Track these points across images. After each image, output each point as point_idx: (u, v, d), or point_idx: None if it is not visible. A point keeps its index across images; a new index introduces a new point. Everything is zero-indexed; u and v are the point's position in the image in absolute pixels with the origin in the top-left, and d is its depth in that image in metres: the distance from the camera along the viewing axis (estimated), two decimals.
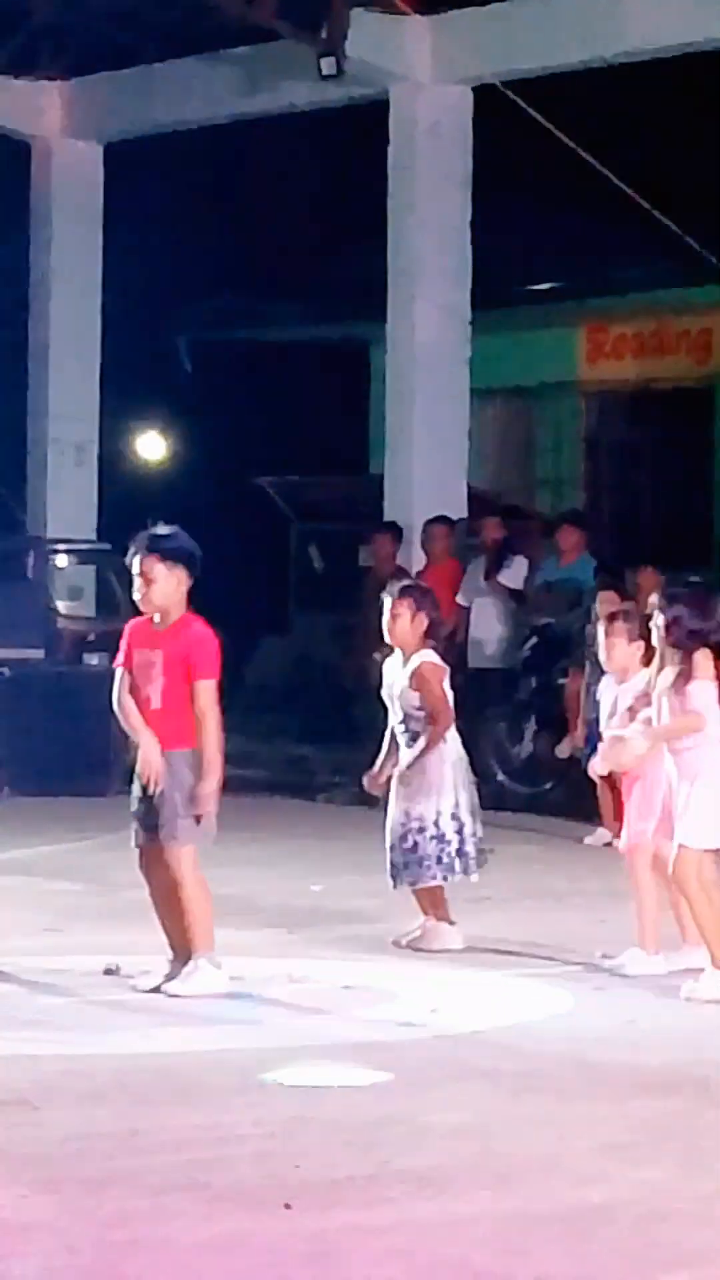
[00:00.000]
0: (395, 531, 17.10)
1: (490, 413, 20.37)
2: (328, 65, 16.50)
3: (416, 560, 16.87)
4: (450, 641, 16.42)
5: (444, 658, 9.87)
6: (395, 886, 9.64)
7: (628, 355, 20.23)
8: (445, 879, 9.55)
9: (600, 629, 9.44)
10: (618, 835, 9.34)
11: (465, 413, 17.74)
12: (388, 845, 9.59)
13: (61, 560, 18.83)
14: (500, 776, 15.07)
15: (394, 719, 9.67)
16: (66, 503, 19.60)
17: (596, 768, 9.27)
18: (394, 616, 9.62)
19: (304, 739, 18.28)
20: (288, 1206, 5.59)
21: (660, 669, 8.55)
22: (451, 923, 9.57)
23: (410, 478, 17.51)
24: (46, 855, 12.49)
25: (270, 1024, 7.99)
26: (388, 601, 9.68)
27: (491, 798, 13.98)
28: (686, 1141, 6.36)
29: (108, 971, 8.72)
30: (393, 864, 9.57)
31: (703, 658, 8.46)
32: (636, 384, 20.28)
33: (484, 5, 16.88)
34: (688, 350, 19.82)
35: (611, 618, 9.41)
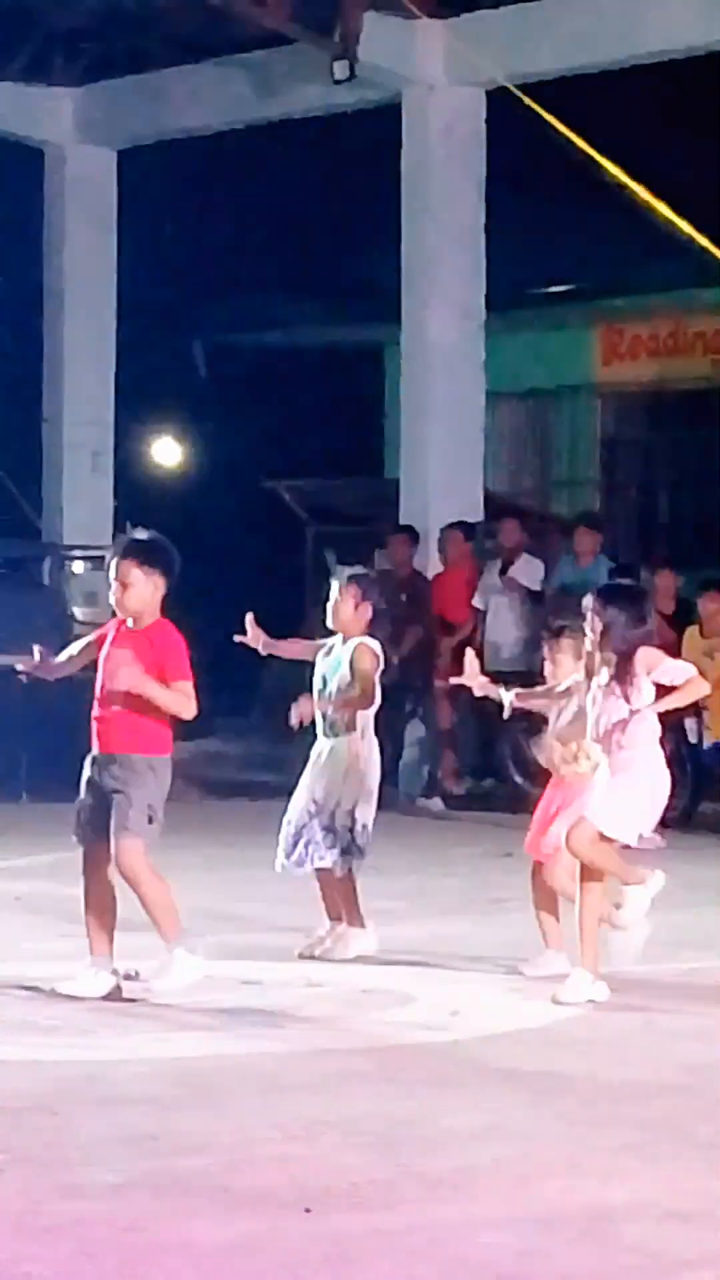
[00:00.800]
0: (411, 535, 17.11)
1: (506, 415, 20.39)
2: (341, 69, 16.57)
3: (433, 563, 16.89)
4: (468, 643, 16.48)
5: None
6: (287, 867, 9.47)
7: (643, 356, 20.25)
8: (329, 867, 9.40)
9: (544, 642, 9.31)
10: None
11: (480, 415, 17.76)
12: (295, 825, 9.45)
13: (78, 566, 18.89)
14: (518, 779, 15.05)
15: (317, 707, 9.57)
16: (82, 509, 19.64)
17: (544, 759, 9.00)
18: (339, 602, 9.58)
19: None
20: (308, 1210, 5.58)
21: (591, 674, 8.45)
22: (363, 925, 9.47)
23: (426, 481, 17.53)
24: (64, 861, 12.47)
25: (289, 1028, 7.97)
26: (335, 587, 9.64)
27: (509, 800, 14.02)
28: (707, 1140, 6.36)
29: (126, 977, 8.71)
30: (295, 843, 9.44)
31: (645, 654, 8.40)
32: (652, 385, 20.30)
33: (496, 8, 16.92)
34: (703, 351, 19.84)
35: (557, 632, 9.23)
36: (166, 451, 24.78)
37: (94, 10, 18.37)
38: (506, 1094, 6.97)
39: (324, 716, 9.59)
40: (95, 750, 8.47)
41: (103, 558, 19.60)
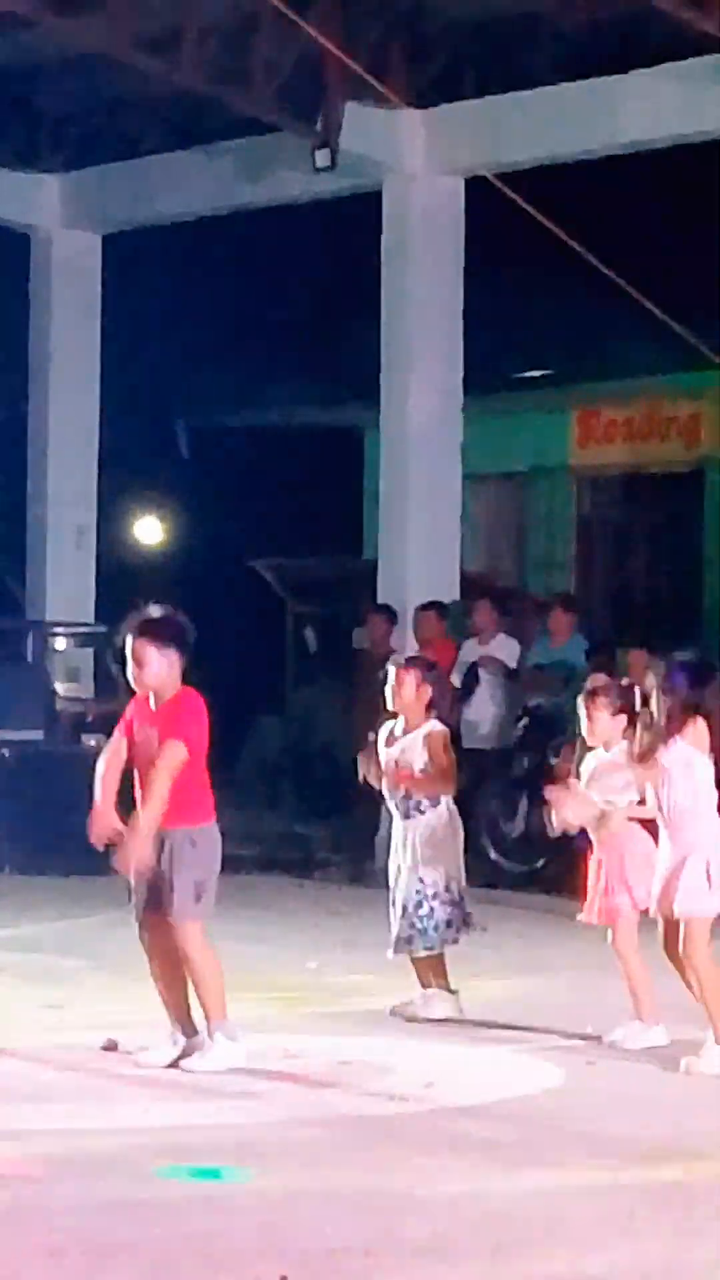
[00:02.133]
0: (389, 614, 17.26)
1: (483, 496, 20.55)
2: (323, 157, 16.75)
3: (410, 642, 17.03)
4: (445, 722, 16.61)
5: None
6: (396, 955, 9.76)
7: (618, 439, 20.40)
8: (455, 942, 9.71)
9: (581, 703, 9.54)
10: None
11: (458, 496, 17.92)
12: (398, 913, 9.70)
13: (60, 642, 18.98)
14: (494, 854, 15.19)
15: (390, 792, 9.81)
16: (66, 586, 19.75)
17: (564, 820, 9.23)
18: (399, 685, 9.80)
19: (300, 816, 18.39)
20: (285, 1277, 5.63)
21: (637, 740, 8.66)
22: (453, 991, 9.70)
23: (404, 560, 17.67)
24: (47, 932, 12.58)
25: (268, 1098, 8.05)
26: (393, 672, 9.86)
27: (485, 875, 14.13)
28: (682, 1211, 6.42)
29: (106, 1047, 8.82)
30: (401, 933, 9.69)
31: (696, 728, 8.60)
32: (627, 468, 20.46)
33: (476, 99, 17.16)
34: (677, 434, 19.99)
35: (593, 693, 9.50)
36: (149, 530, 24.92)
37: (80, 96, 18.59)
38: (483, 1163, 7.03)
39: (405, 798, 9.75)
40: None
41: (86, 634, 19.87)
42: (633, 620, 19.68)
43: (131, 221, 19.62)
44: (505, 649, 16.71)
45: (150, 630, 8.52)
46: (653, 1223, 6.27)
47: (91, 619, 19.56)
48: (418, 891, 9.75)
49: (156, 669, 8.47)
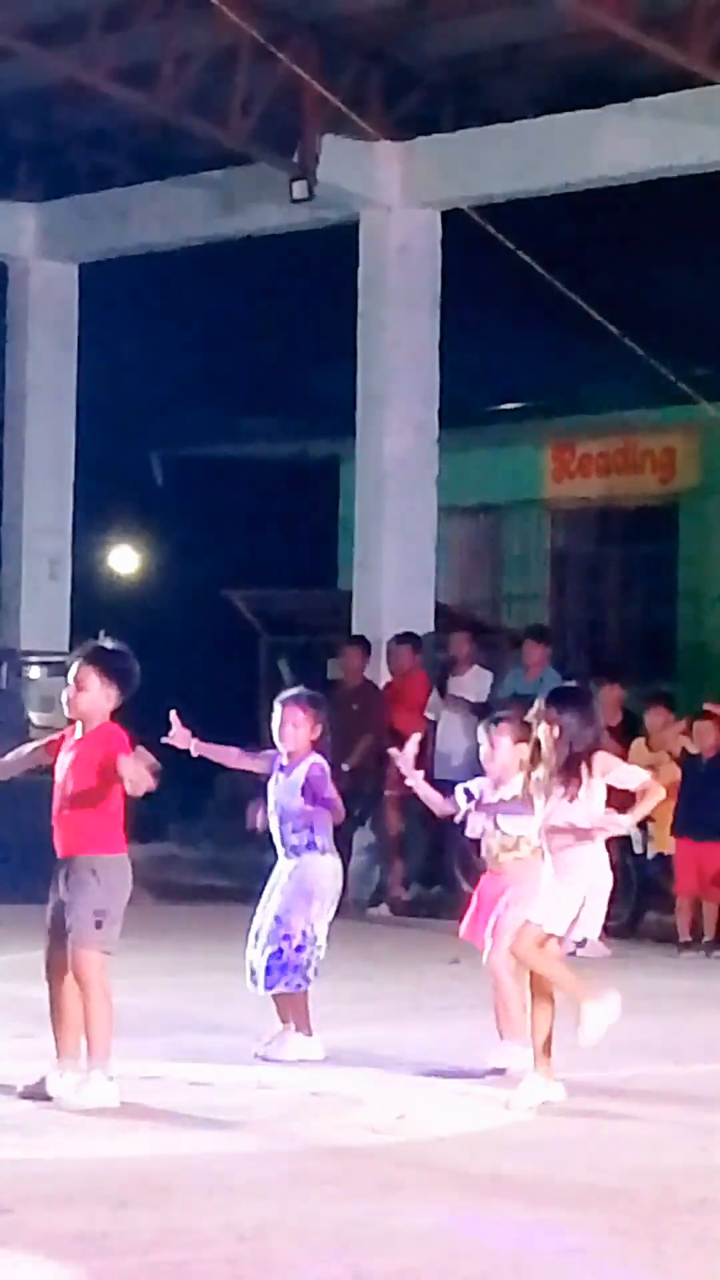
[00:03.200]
0: (364, 645, 17.29)
1: (458, 529, 20.61)
2: (299, 189, 16.85)
3: (385, 673, 17.06)
4: (419, 753, 16.62)
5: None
6: (260, 990, 9.68)
7: (593, 473, 20.49)
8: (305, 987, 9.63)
9: (482, 731, 9.48)
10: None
11: (433, 529, 17.98)
12: (260, 947, 9.63)
13: (35, 671, 18.99)
14: (465, 886, 15.16)
15: (274, 828, 9.76)
16: (40, 615, 19.78)
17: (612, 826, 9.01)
18: (292, 724, 9.74)
19: (273, 847, 18.34)
20: None
21: (531, 772, 8.59)
22: (310, 1033, 9.63)
23: (379, 592, 17.73)
24: (18, 961, 12.53)
25: (239, 1129, 8.03)
26: (279, 709, 9.79)
27: (456, 907, 14.12)
28: (650, 1245, 6.41)
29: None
30: (256, 967, 9.63)
31: (601, 757, 8.57)
32: (601, 502, 20.54)
33: (452, 132, 17.26)
34: (652, 469, 20.08)
35: (497, 720, 9.46)
36: (123, 560, 24.95)
37: (58, 126, 18.68)
38: (454, 1196, 7.03)
39: (283, 839, 9.71)
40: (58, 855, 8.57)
41: (60, 663, 19.83)
42: (606, 654, 19.73)
43: (109, 252, 19.69)
44: (479, 681, 16.75)
45: (99, 659, 8.53)
46: (623, 1258, 6.27)
47: (66, 648, 19.52)
48: (274, 933, 9.68)
49: (93, 696, 8.46)
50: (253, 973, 9.65)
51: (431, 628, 17.67)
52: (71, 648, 19.58)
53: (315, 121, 16.77)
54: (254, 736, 20.33)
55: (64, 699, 8.59)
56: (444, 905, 15.65)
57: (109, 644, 8.65)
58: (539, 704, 8.61)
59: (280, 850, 9.82)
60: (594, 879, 8.54)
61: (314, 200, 17.01)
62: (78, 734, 8.52)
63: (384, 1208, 6.83)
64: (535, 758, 8.56)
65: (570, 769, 8.47)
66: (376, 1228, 6.56)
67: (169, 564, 24.25)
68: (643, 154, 16.20)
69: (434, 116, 17.42)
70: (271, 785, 9.86)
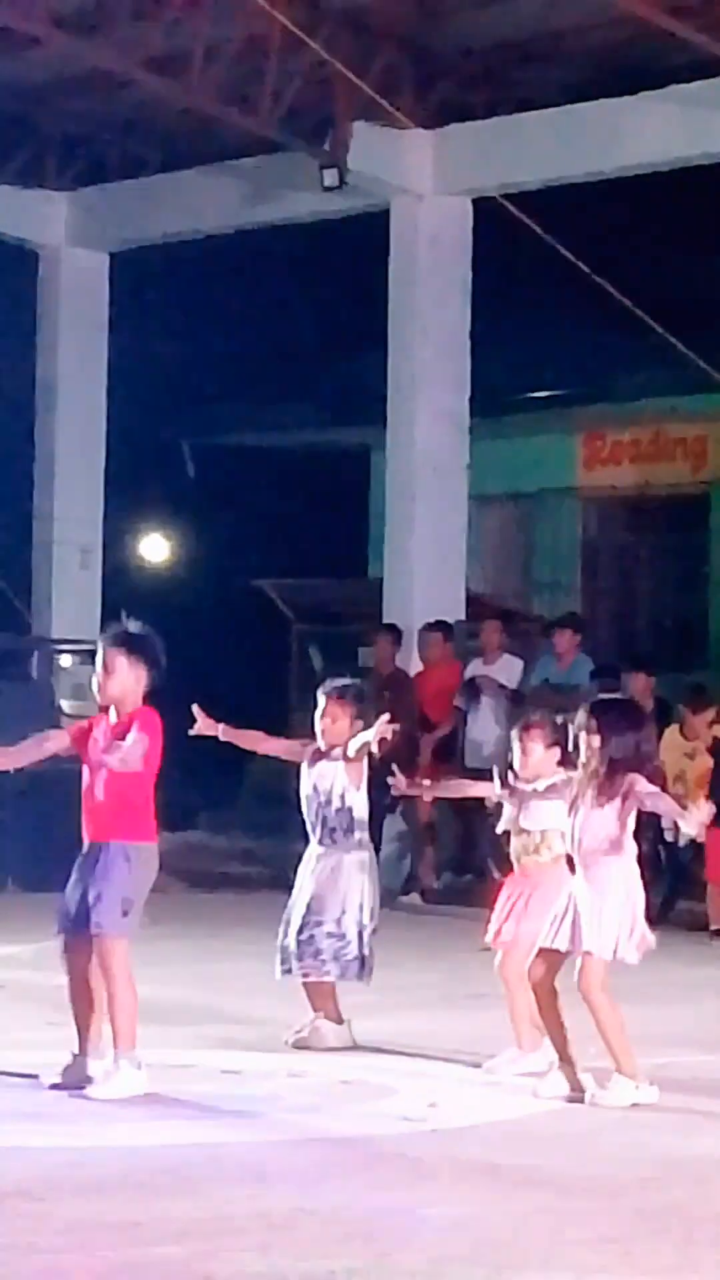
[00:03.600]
0: (395, 633, 17.31)
1: (489, 517, 20.61)
2: (331, 177, 16.85)
3: (415, 662, 17.07)
4: (449, 741, 16.66)
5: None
6: (286, 974, 9.69)
7: (625, 462, 20.47)
8: (340, 978, 9.63)
9: (515, 736, 9.40)
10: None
11: (464, 517, 17.98)
12: (291, 933, 9.64)
13: (66, 660, 19.05)
14: (497, 875, 15.16)
15: (310, 815, 9.77)
16: (71, 604, 19.83)
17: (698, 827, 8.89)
18: (331, 718, 9.75)
19: (304, 836, 18.37)
20: None
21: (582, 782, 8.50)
22: (341, 1021, 9.64)
23: (410, 581, 17.74)
24: (46, 950, 12.57)
25: (270, 1118, 8.06)
26: (321, 701, 9.79)
27: (488, 896, 14.13)
28: (682, 1234, 6.41)
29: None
30: (288, 953, 9.65)
31: (643, 782, 8.45)
32: (633, 490, 20.52)
33: (484, 119, 17.24)
34: (683, 457, 20.06)
35: (527, 726, 9.37)
36: (154, 549, 25.00)
37: (89, 115, 18.70)
38: (484, 1186, 7.04)
39: (322, 824, 9.72)
40: (85, 840, 8.56)
41: (91, 652, 19.85)
42: (637, 642, 19.72)
43: (139, 240, 19.71)
44: (510, 669, 16.74)
45: (125, 641, 8.51)
46: (654, 1246, 6.27)
47: (96, 637, 19.57)
48: (312, 920, 9.69)
49: (123, 679, 8.44)
50: (283, 959, 9.65)
51: (463, 616, 17.67)
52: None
53: (346, 109, 16.77)
54: (283, 724, 20.42)
55: (94, 685, 8.57)
56: (475, 893, 15.65)
57: (133, 626, 8.62)
58: (582, 713, 8.55)
59: (313, 837, 9.81)
60: (631, 893, 8.48)
61: (345, 188, 17.01)
62: (111, 719, 8.50)
63: (415, 1197, 6.85)
64: (570, 762, 8.52)
65: (610, 779, 8.40)
66: (407, 1217, 6.57)
67: (200, 553, 24.30)
68: (675, 141, 16.18)
69: (466, 104, 17.41)
70: (306, 771, 9.86)
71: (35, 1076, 8.53)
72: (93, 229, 19.86)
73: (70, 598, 19.90)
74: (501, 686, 16.48)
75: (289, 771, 17.67)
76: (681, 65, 15.77)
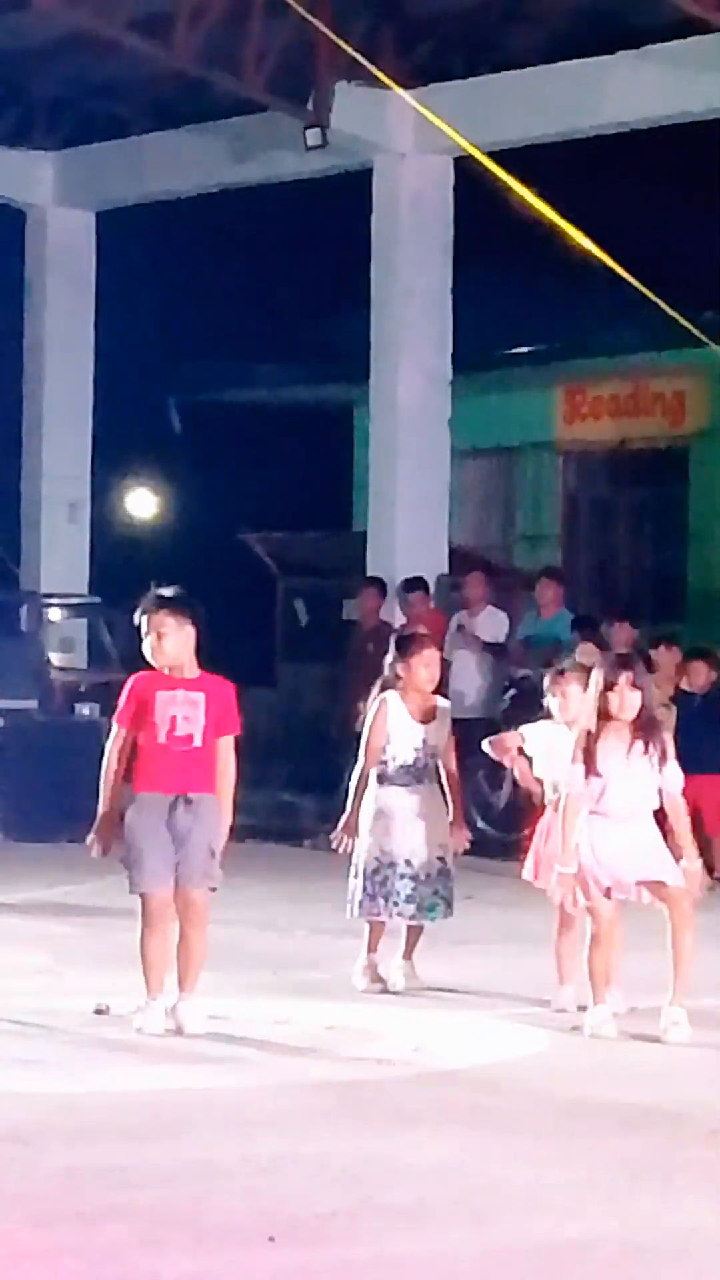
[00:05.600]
0: (379, 586, 17.47)
1: (471, 471, 20.73)
2: (314, 137, 16.91)
3: (399, 615, 17.24)
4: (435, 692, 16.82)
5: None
6: (420, 920, 9.96)
7: (605, 416, 20.53)
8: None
9: (549, 683, 9.71)
10: None
11: (446, 472, 18.10)
12: (421, 879, 9.90)
13: (55, 614, 19.19)
14: (480, 823, 15.39)
15: (410, 762, 9.98)
16: (60, 558, 19.97)
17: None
18: (437, 667, 10.04)
19: (290, 786, 18.59)
20: (272, 1240, 5.71)
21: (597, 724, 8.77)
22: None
23: (393, 534, 17.87)
24: (40, 899, 12.76)
25: (255, 1063, 8.17)
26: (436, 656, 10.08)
27: (472, 844, 14.35)
28: (662, 1177, 6.49)
29: (98, 1011, 8.96)
30: (424, 900, 9.93)
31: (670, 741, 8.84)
32: (613, 444, 20.60)
33: (465, 79, 17.30)
34: (663, 411, 20.13)
35: (560, 672, 9.71)
36: (142, 504, 25.10)
37: (75, 77, 18.73)
38: (467, 1130, 7.14)
39: (421, 767, 9.97)
40: (166, 792, 8.72)
41: (79, 606, 20.04)
42: (617, 594, 19.87)
43: (125, 200, 19.76)
44: (493, 621, 16.92)
45: (167, 603, 8.79)
46: (633, 1190, 6.35)
47: (85, 591, 19.76)
48: (440, 859, 9.96)
49: (177, 638, 8.73)
50: (431, 902, 9.98)
51: (445, 569, 17.83)
52: (91, 591, 19.98)
53: (329, 70, 16.81)
54: (269, 677, 20.63)
55: (147, 650, 8.78)
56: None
57: (167, 590, 8.90)
58: (607, 666, 8.79)
59: (412, 775, 10.02)
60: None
61: (328, 148, 17.07)
62: (183, 674, 8.70)
63: (399, 1141, 6.94)
64: (606, 713, 8.69)
65: (652, 733, 8.68)
66: (391, 1161, 6.65)
67: (186, 508, 24.40)
68: (653, 100, 16.24)
69: (447, 64, 17.46)
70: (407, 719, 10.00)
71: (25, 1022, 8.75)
72: (79, 189, 19.91)
73: (59, 552, 20.03)
74: (486, 644, 16.67)
75: (275, 724, 17.71)
76: (660, 25, 15.84)
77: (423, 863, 9.92)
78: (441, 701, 10.17)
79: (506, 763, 10.02)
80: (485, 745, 10.10)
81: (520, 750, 9.85)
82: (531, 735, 9.78)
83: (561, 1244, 5.77)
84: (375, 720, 9.97)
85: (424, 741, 9.99)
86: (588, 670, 9.24)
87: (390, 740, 9.96)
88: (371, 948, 9.95)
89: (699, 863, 8.92)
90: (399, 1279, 5.52)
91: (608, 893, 8.79)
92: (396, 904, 9.87)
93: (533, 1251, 5.71)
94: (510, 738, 9.95)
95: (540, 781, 9.73)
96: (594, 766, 8.71)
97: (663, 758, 8.76)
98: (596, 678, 8.78)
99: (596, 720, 8.72)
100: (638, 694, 8.73)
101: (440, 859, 9.98)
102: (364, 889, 9.87)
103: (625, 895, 8.81)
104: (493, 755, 10.08)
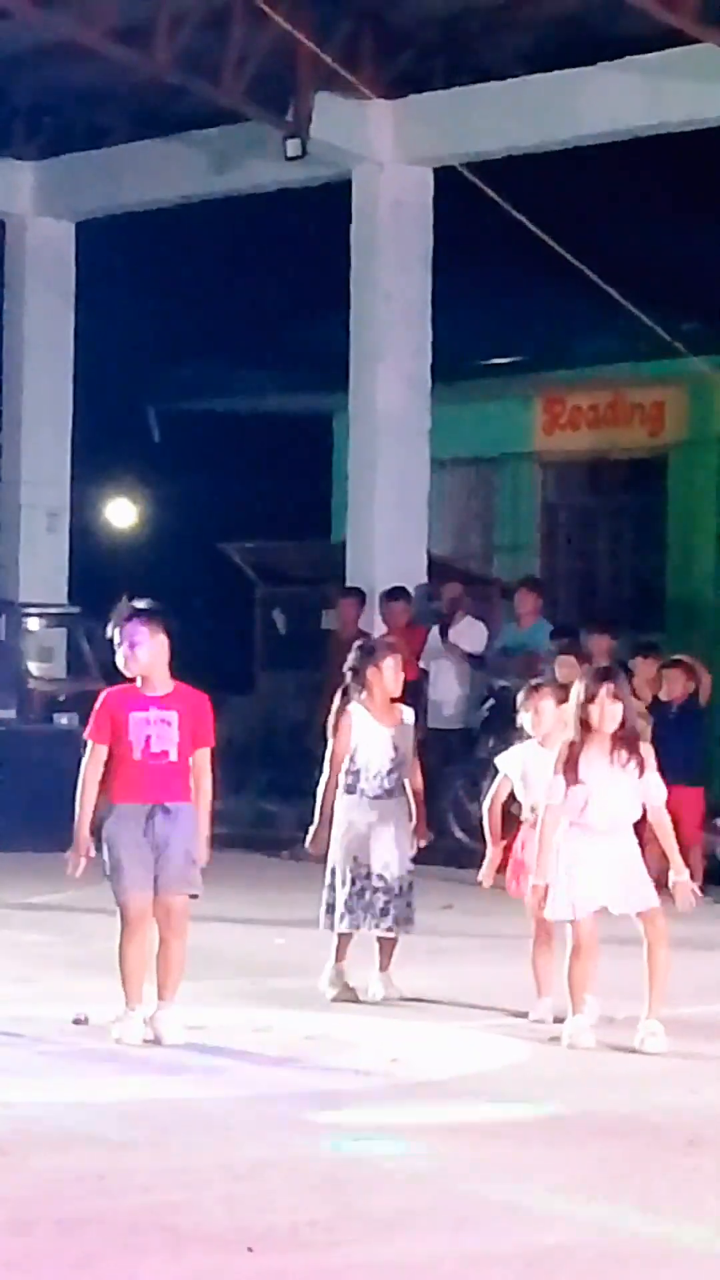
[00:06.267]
0: (358, 596, 17.49)
1: (450, 481, 20.75)
2: (293, 147, 16.94)
3: (378, 624, 17.26)
4: (411, 703, 16.85)
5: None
6: (397, 933, 9.97)
7: (583, 426, 20.57)
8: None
9: (523, 698, 9.70)
10: None
11: (425, 481, 18.13)
12: (395, 891, 9.93)
13: (33, 623, 19.18)
14: (459, 833, 15.41)
15: (381, 771, 10.00)
16: (39, 567, 19.96)
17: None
18: (401, 673, 10.09)
19: (269, 795, 18.61)
20: (251, 1249, 5.71)
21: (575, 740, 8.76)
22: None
23: (372, 544, 17.89)
24: (18, 908, 12.78)
25: (234, 1072, 8.19)
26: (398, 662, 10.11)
27: (450, 854, 14.36)
28: (642, 1184, 6.52)
29: (76, 1021, 8.99)
30: (400, 913, 9.95)
31: (649, 751, 8.84)
32: (592, 454, 20.64)
33: (445, 90, 17.34)
34: (641, 422, 20.16)
35: (536, 687, 9.73)
36: (121, 513, 25.11)
37: (54, 86, 18.74)
38: (446, 1137, 7.16)
39: (390, 776, 9.99)
40: (143, 802, 8.76)
41: (58, 615, 20.00)
42: (596, 604, 19.90)
43: (105, 209, 19.78)
44: (472, 631, 16.95)
45: (144, 614, 8.88)
46: (612, 1196, 6.37)
47: (64, 600, 19.75)
48: (410, 872, 9.99)
49: (151, 648, 8.81)
50: (399, 914, 10.01)
51: (424, 579, 17.85)
52: (70, 600, 19.93)
53: (309, 80, 16.85)
54: (248, 685, 20.62)
55: (120, 661, 8.85)
56: (438, 852, 15.86)
57: (140, 602, 8.98)
58: (588, 678, 8.79)
59: (382, 788, 10.05)
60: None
61: (307, 158, 17.10)
62: (155, 690, 8.76)
63: (377, 1149, 6.95)
64: (585, 732, 8.68)
65: (632, 745, 8.69)
66: (370, 1168, 6.67)
67: (166, 516, 24.41)
68: (632, 111, 16.28)
69: (426, 74, 17.50)
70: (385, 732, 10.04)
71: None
72: (58, 198, 19.92)
73: (37, 561, 20.02)
74: (465, 654, 16.69)
75: (253, 733, 17.66)
76: (638, 36, 15.88)
77: (396, 876, 9.93)
78: (406, 710, 10.15)
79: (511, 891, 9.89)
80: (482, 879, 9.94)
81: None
82: (507, 762, 9.76)
83: (540, 1252, 5.78)
84: (339, 731, 9.99)
85: (394, 749, 10.00)
86: (563, 687, 9.25)
87: (357, 750, 9.96)
88: (340, 957, 9.96)
89: (686, 874, 8.92)
90: None
91: (577, 907, 8.79)
92: (375, 917, 9.87)
93: (512, 1259, 5.72)
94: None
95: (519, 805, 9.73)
96: (575, 776, 8.71)
97: (642, 770, 8.77)
98: (578, 689, 8.79)
99: (578, 731, 8.73)
100: (619, 706, 8.72)
101: (410, 871, 10.00)
102: (345, 902, 9.87)
103: (594, 909, 8.82)
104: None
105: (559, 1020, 9.02)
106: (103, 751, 8.82)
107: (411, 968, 10.21)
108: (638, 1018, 8.79)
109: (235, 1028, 8.99)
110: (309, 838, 10.00)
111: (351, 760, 9.96)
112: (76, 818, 8.84)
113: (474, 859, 14.85)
